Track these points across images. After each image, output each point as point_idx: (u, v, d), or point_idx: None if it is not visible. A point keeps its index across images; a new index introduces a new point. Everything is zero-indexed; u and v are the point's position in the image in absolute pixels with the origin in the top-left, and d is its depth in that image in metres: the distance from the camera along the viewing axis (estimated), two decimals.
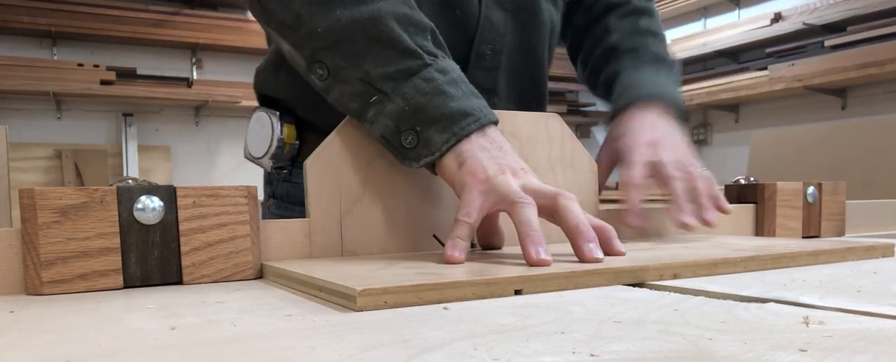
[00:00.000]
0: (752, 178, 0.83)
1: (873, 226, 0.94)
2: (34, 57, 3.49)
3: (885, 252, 0.57)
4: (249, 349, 0.28)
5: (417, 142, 0.53)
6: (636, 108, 0.72)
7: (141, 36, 3.62)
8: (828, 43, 3.53)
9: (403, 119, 0.53)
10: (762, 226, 0.79)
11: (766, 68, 3.78)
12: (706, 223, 0.63)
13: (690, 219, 0.62)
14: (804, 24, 3.64)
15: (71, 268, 0.44)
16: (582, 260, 0.47)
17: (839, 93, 3.69)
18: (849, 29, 3.49)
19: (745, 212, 0.79)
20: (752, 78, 3.86)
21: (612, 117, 0.75)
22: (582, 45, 0.86)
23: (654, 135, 0.69)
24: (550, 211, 0.51)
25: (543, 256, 0.46)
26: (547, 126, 0.67)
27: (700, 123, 4.50)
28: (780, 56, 3.81)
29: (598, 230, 0.50)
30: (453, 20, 0.70)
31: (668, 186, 0.65)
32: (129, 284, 0.46)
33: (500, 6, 0.73)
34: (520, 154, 0.56)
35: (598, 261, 0.47)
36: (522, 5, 0.74)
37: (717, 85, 4.04)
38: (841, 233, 0.84)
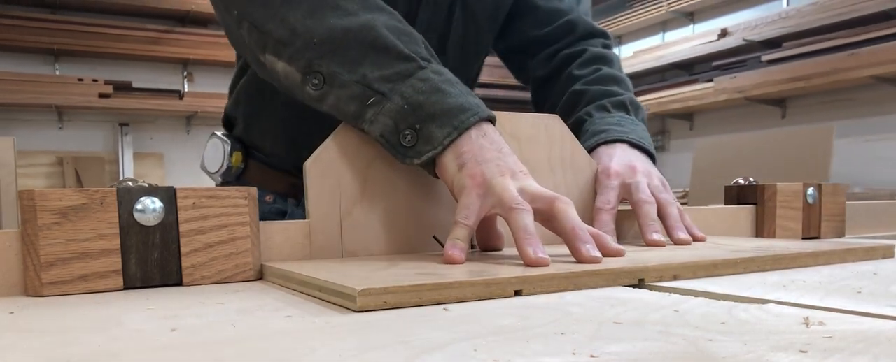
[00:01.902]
0: (751, 179, 0.83)
1: (874, 227, 0.94)
2: (38, 73, 3.83)
3: (885, 253, 0.57)
4: (249, 350, 0.28)
5: (417, 139, 0.54)
6: (606, 146, 0.73)
7: (136, 52, 3.97)
8: (765, 58, 3.78)
9: (402, 117, 0.54)
10: (762, 227, 0.79)
11: (712, 80, 4.06)
12: (678, 242, 0.63)
13: (660, 237, 0.62)
14: (744, 39, 3.91)
15: (71, 269, 0.44)
16: (580, 260, 0.47)
17: (779, 103, 3.95)
18: (784, 45, 3.74)
19: (744, 213, 0.79)
20: (700, 89, 4.15)
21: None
22: (547, 96, 0.88)
23: (628, 160, 0.70)
24: (547, 215, 0.51)
25: (541, 255, 0.46)
26: (547, 127, 0.67)
27: (658, 131, 4.77)
28: (725, 69, 4.09)
29: (593, 235, 0.50)
30: None
31: (638, 209, 0.65)
32: (129, 285, 0.46)
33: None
34: (520, 155, 0.56)
35: (596, 260, 0.47)
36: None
37: (672, 95, 4.34)
38: (841, 234, 0.84)
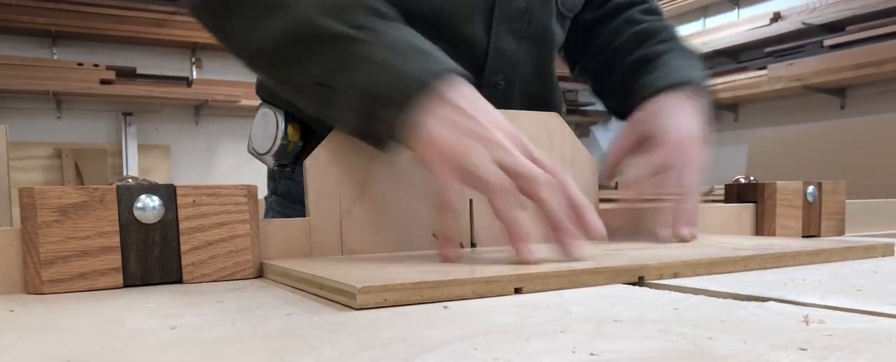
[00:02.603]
0: (751, 178, 0.83)
1: (873, 225, 0.94)
2: (34, 56, 3.51)
3: (884, 251, 0.57)
4: (249, 348, 0.28)
5: (381, 126, 0.49)
6: (671, 95, 0.68)
7: (141, 35, 3.64)
8: (827, 42, 3.53)
9: (358, 107, 0.49)
10: (762, 226, 0.79)
11: (765, 68, 3.78)
12: (681, 239, 0.61)
13: (667, 232, 0.61)
14: (803, 23, 3.65)
15: (71, 267, 0.44)
16: (567, 255, 0.46)
17: (838, 92, 3.69)
18: (847, 29, 3.50)
19: (744, 211, 0.79)
20: (751, 77, 3.86)
21: (643, 98, 0.71)
22: (597, 34, 0.82)
23: (680, 133, 0.65)
24: (530, 197, 0.46)
25: (527, 255, 0.44)
26: (547, 125, 0.67)
27: None
28: (779, 55, 3.81)
29: (576, 208, 0.47)
30: (458, 51, 0.66)
31: (663, 188, 0.63)
32: (128, 283, 0.46)
33: (513, 35, 0.70)
34: None
35: (581, 257, 0.45)
36: (537, 33, 0.71)
37: (717, 84, 4.02)
38: (841, 232, 0.84)
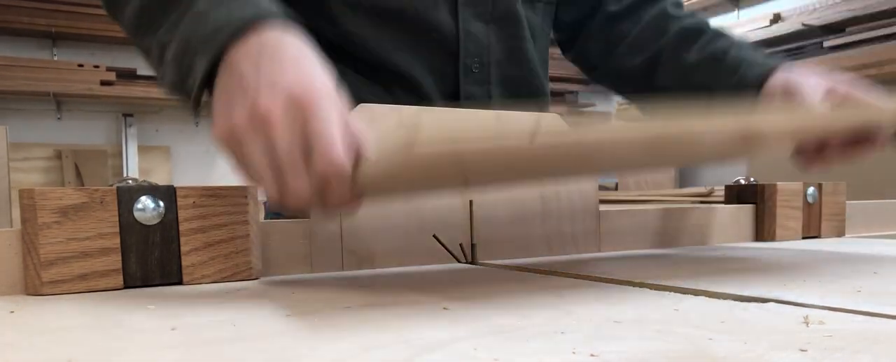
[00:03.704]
0: (752, 179, 0.83)
1: (873, 226, 0.94)
2: (34, 57, 3.51)
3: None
4: (249, 349, 0.28)
5: (189, 77, 0.44)
6: (790, 72, 0.66)
7: None
8: (827, 44, 3.54)
9: (174, 58, 0.45)
10: (762, 227, 0.79)
11: None
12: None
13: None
14: (803, 24, 3.65)
15: (71, 268, 0.44)
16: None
17: None
18: (848, 30, 3.50)
19: (744, 212, 0.79)
20: None
21: (759, 84, 0.68)
22: (626, 29, 0.80)
23: (819, 74, 0.64)
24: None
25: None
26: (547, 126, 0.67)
27: None
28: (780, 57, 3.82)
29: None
30: (433, 42, 0.70)
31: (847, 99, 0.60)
32: (129, 284, 0.46)
33: (478, 18, 0.72)
34: None
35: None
36: (503, 15, 0.73)
37: None
38: (841, 233, 0.84)
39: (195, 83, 0.42)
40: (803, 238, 0.80)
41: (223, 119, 0.40)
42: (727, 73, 0.71)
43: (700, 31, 0.76)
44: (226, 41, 0.41)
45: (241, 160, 0.40)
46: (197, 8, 0.44)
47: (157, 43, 0.47)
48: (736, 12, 4.32)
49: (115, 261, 0.45)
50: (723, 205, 0.79)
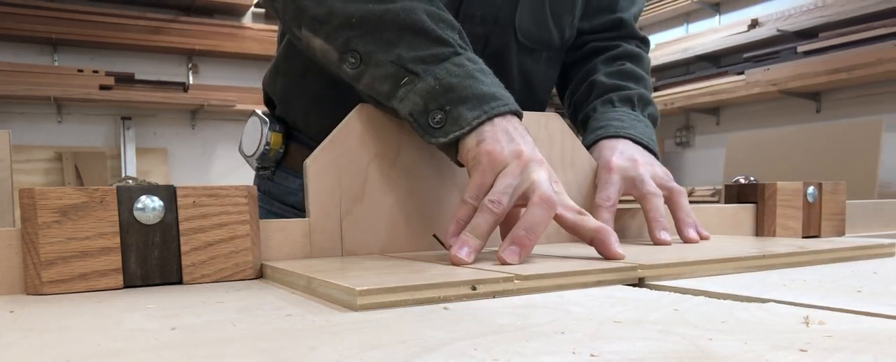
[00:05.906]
0: (752, 178, 0.83)
1: (873, 225, 0.94)
2: (35, 63, 3.66)
3: (884, 251, 0.57)
4: (249, 349, 0.28)
5: (446, 120, 0.54)
6: (606, 141, 0.72)
7: (139, 42, 3.81)
8: (800, 49, 3.65)
9: (433, 97, 0.54)
10: (762, 226, 0.79)
11: (743, 72, 3.91)
12: (687, 240, 0.63)
13: (667, 237, 0.62)
14: (778, 30, 3.77)
15: (71, 267, 0.44)
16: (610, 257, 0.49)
17: (813, 96, 3.81)
18: (820, 35, 3.62)
19: (745, 211, 0.79)
20: (730, 82, 4.00)
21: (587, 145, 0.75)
22: (567, 82, 0.86)
23: (629, 155, 0.69)
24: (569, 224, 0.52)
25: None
26: (547, 125, 0.67)
27: (682, 126, 4.61)
28: (757, 61, 3.94)
29: (597, 232, 0.50)
30: None
31: (646, 203, 0.65)
32: (129, 284, 0.46)
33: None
34: None
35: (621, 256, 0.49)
36: (493, 56, 0.73)
37: (698, 88, 4.19)
38: (841, 232, 0.84)
39: (461, 129, 0.54)
40: (803, 237, 0.80)
41: (511, 145, 0.53)
42: (587, 131, 0.77)
43: (590, 91, 0.81)
44: (502, 112, 0.55)
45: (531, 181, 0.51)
46: (466, 68, 0.56)
47: (396, 59, 0.56)
48: (717, 17, 4.43)
49: (115, 260, 0.45)
50: (723, 205, 0.79)
